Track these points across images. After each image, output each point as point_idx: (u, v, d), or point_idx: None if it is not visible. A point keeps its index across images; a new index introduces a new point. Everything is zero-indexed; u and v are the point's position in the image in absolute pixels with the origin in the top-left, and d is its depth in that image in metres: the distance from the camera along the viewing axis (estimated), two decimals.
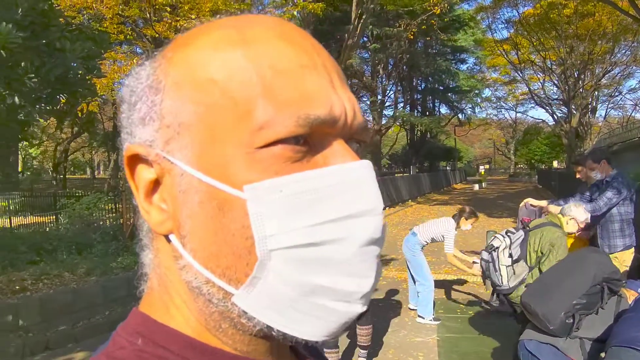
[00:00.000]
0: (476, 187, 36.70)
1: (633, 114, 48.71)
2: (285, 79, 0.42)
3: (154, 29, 12.30)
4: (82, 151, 46.86)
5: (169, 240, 0.44)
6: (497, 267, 4.01)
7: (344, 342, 5.19)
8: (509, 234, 4.11)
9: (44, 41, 2.89)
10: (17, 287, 5.91)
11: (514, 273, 3.93)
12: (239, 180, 0.40)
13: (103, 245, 8.46)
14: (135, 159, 0.44)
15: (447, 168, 51.24)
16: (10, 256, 7.26)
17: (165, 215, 0.44)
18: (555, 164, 49.94)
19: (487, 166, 64.72)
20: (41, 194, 19.07)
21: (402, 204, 23.63)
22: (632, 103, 47.79)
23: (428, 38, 26.83)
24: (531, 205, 5.17)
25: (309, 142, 0.42)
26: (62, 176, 33.32)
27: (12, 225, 13.35)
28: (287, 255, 0.40)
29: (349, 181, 0.41)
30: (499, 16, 36.99)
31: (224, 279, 0.41)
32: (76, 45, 3.19)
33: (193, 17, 12.10)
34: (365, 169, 0.43)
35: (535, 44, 34.10)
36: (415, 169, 37.96)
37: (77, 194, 15.26)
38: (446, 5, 18.51)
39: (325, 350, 4.82)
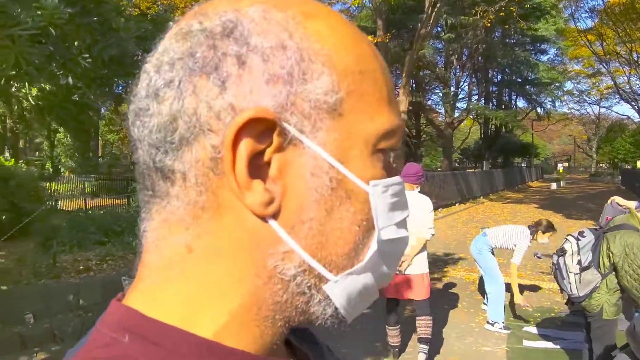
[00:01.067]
0: (554, 186, 35.16)
1: None
2: (392, 89, 0.45)
3: None
4: None
5: (264, 221, 0.40)
6: (564, 274, 3.60)
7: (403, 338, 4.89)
8: (579, 237, 3.67)
9: (95, 18, 2.78)
10: (81, 267, 6.03)
11: (582, 281, 3.51)
12: (365, 175, 0.42)
13: None
14: (251, 126, 0.38)
15: (523, 165, 49.32)
16: (79, 236, 7.46)
17: (272, 195, 0.39)
18: (639, 164, 46.80)
19: (566, 164, 61.50)
20: (117, 178, 19.84)
21: (473, 201, 22.85)
22: None
23: (506, 26, 25.56)
24: (617, 204, 4.65)
25: None
26: None
27: (87, 206, 13.93)
28: (383, 247, 0.43)
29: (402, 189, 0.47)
30: (582, 4, 34.89)
31: (329, 267, 0.41)
32: (130, 23, 3.03)
33: None
34: (402, 185, 0.47)
35: (621, 35, 31.90)
36: (488, 164, 36.61)
37: None
38: None
39: (387, 327, 4.65)
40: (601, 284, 3.47)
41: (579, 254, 3.55)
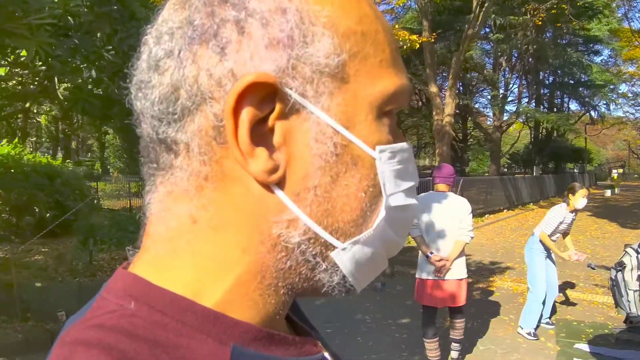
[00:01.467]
0: (608, 193, 33.74)
1: None
2: (397, 49, 0.44)
3: None
4: None
5: (270, 191, 0.39)
6: (623, 290, 3.20)
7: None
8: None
9: (115, 7, 2.66)
10: (117, 266, 6.01)
11: None
12: (372, 140, 0.41)
13: None
14: (252, 90, 0.38)
15: (575, 171, 47.46)
16: (119, 235, 7.50)
17: (276, 162, 0.39)
18: None
19: (620, 170, 58.77)
20: None
21: (522, 207, 22.05)
22: None
23: (558, 24, 24.58)
24: None
25: None
26: None
27: (131, 206, 14.15)
28: (391, 214, 0.43)
29: (411, 156, 0.46)
30: (635, 4, 33.31)
31: (336, 234, 0.41)
32: (150, 12, 2.91)
33: None
34: (409, 150, 0.46)
35: None
36: (539, 169, 35.40)
37: None
38: None
39: (425, 340, 4.41)
40: None
41: (639, 268, 3.17)
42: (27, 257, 6.81)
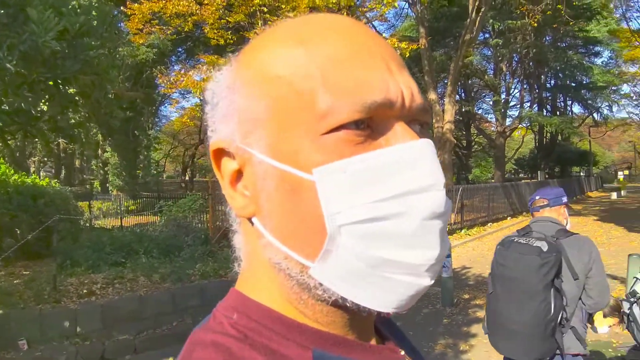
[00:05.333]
0: (614, 195, 33.19)
1: None
2: (342, 68, 0.46)
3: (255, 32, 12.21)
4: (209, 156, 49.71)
5: (252, 223, 0.50)
6: None
7: None
8: None
9: (2, 11, 2.39)
10: (84, 291, 5.72)
11: None
12: (308, 164, 0.45)
13: (191, 249, 8.26)
14: (220, 153, 0.52)
15: (581, 174, 46.94)
16: (95, 256, 7.19)
17: (247, 200, 0.50)
18: None
19: (626, 172, 58.13)
20: (164, 196, 19.85)
21: (526, 214, 21.58)
22: None
23: (554, 26, 24.29)
24: None
25: (371, 125, 0.46)
26: (188, 178, 35.29)
27: (123, 224, 13.89)
28: (354, 230, 0.44)
29: (408, 159, 0.45)
30: (633, 4, 32.97)
31: (302, 254, 0.46)
32: (49, 15, 2.57)
33: (291, 15, 11.80)
34: (425, 146, 0.46)
35: None
36: (544, 174, 34.89)
37: (177, 196, 15.51)
38: None
39: None
40: None
41: None
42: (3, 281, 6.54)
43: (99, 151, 28.07)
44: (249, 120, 0.49)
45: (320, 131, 0.45)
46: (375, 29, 16.42)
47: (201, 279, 6.75)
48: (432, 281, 0.46)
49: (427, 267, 0.45)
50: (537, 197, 2.98)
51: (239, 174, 0.51)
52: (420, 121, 0.50)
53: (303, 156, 0.45)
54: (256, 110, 0.48)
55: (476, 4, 16.07)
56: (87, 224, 13.05)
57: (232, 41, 12.64)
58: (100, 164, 28.45)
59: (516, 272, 2.56)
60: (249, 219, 0.51)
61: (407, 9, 19.95)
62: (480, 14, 16.08)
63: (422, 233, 0.44)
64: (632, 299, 2.92)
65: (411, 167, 0.45)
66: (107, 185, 25.88)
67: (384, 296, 0.46)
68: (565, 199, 2.96)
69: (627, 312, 2.92)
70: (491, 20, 22.93)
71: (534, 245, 2.58)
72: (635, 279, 3.03)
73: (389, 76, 0.47)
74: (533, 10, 17.84)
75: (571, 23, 22.28)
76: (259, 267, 0.52)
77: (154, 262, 7.31)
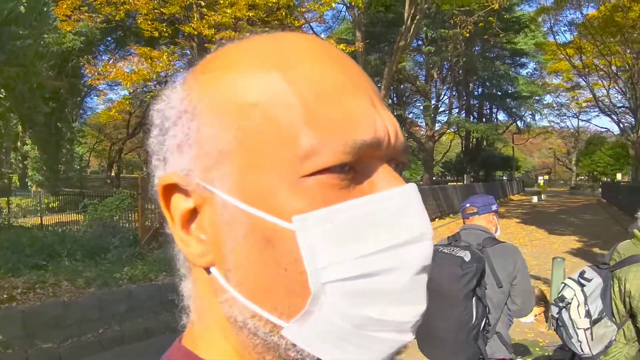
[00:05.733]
0: (535, 199, 35.10)
1: None
2: (328, 101, 0.41)
3: (192, 27, 11.89)
4: (138, 151, 48.03)
5: (209, 272, 0.43)
6: (572, 331, 2.86)
7: None
8: (582, 280, 2.91)
9: None
10: (5, 296, 5.32)
11: (596, 337, 2.80)
12: (287, 210, 0.39)
13: (119, 251, 7.88)
14: (171, 189, 0.43)
15: (504, 178, 49.27)
16: (14, 258, 6.68)
17: (205, 246, 0.43)
18: (619, 176, 47.27)
19: (546, 177, 61.77)
20: (70, 193, 18.85)
21: (453, 216, 22.34)
22: None
23: (485, 37, 25.40)
24: None
25: (355, 167, 0.41)
26: (114, 174, 33.92)
27: (44, 223, 13.12)
28: (340, 288, 0.39)
29: (397, 207, 0.41)
30: (561, 18, 35.21)
31: (275, 312, 0.40)
32: None
33: (229, 11, 11.57)
34: (412, 192, 0.42)
35: (600, 48, 32.06)
36: (470, 178, 36.37)
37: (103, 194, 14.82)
38: (506, 0, 17.29)
39: None
40: (618, 336, 2.82)
41: (586, 303, 2.83)
42: None
43: (19, 143, 26.43)
44: (213, 153, 0.41)
45: (302, 173, 0.39)
46: (313, 31, 16.46)
47: (129, 283, 6.43)
48: (414, 336, 0.42)
49: (412, 324, 0.41)
50: (468, 205, 3.01)
51: (193, 214, 0.43)
52: (399, 161, 0.45)
53: (280, 201, 0.39)
54: (222, 141, 0.41)
55: (411, 12, 16.44)
56: (6, 222, 12.21)
57: (166, 34, 12.25)
58: (19, 157, 26.80)
59: (439, 281, 2.60)
60: (206, 268, 0.43)
61: (345, 12, 20.08)
62: (414, 22, 16.46)
63: (411, 289, 0.40)
64: (560, 304, 2.97)
65: (401, 215, 0.40)
66: (27, 180, 24.42)
67: (364, 355, 0.41)
68: (495, 207, 3.00)
69: (556, 316, 2.99)
70: (425, 28, 23.63)
71: (457, 255, 2.61)
72: (563, 284, 3.07)
73: (375, 112, 0.42)
74: (466, 21, 18.51)
75: (501, 35, 23.35)
76: (213, 323, 0.45)
77: (77, 265, 6.87)
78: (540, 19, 33.42)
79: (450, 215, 22.34)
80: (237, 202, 0.40)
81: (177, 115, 0.44)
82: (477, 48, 32.81)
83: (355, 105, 0.41)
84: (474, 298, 2.57)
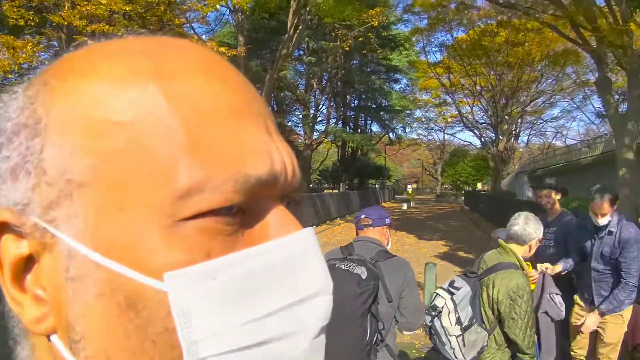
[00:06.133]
0: (405, 206, 36.96)
1: (553, 142, 52.12)
2: (216, 126, 0.32)
3: (61, 17, 11.03)
4: None
5: (49, 339, 0.33)
6: (444, 338, 3.01)
7: None
8: (452, 289, 3.04)
9: None
10: None
11: (467, 343, 2.91)
12: (156, 264, 0.30)
13: None
14: (0, 227, 0.32)
15: (377, 186, 51.48)
16: None
17: (44, 308, 0.32)
18: (479, 185, 51.75)
19: (415, 185, 65.84)
20: None
21: (329, 222, 22.95)
22: (553, 131, 51.93)
23: (363, 52, 26.58)
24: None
25: (244, 208, 0.33)
26: None
27: None
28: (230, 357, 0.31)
29: (295, 256, 0.34)
30: (433, 39, 37.96)
31: None
32: None
33: (104, 2, 10.91)
34: (310, 238, 0.35)
35: (466, 68, 35.06)
36: (345, 185, 37.64)
37: None
38: (384, 19, 18.28)
39: None
40: (489, 341, 2.99)
41: (456, 311, 2.99)
42: None
43: None
44: (59, 184, 0.31)
45: (178, 215, 0.30)
46: (194, 31, 16.10)
47: None
48: None
49: None
50: (362, 216, 3.01)
51: (28, 263, 0.32)
52: (293, 199, 0.38)
53: (148, 251, 0.30)
54: (73, 169, 0.31)
55: (295, 21, 16.72)
56: None
57: (33, 23, 11.28)
58: None
59: (335, 299, 2.62)
60: (47, 337, 0.32)
61: (228, 15, 19.87)
62: (297, 32, 16.75)
63: (309, 355, 0.33)
64: (433, 313, 3.05)
65: (299, 266, 0.33)
66: None
67: None
68: (388, 220, 3.03)
69: (429, 324, 3.06)
70: (307, 39, 24.10)
71: (354, 272, 2.59)
72: (435, 294, 3.17)
73: (271, 141, 0.35)
74: (346, 35, 19.23)
75: (378, 51, 24.52)
76: None
77: None
78: (414, 39, 35.78)
79: (327, 222, 22.93)
80: (89, 252, 0.30)
81: (13, 129, 0.33)
82: (355, 62, 34.14)
83: (249, 133, 0.33)
84: (369, 315, 2.59)
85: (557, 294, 3.40)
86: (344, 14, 17.03)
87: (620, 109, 21.08)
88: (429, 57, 40.72)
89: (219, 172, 0.31)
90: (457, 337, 2.90)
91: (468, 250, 14.49)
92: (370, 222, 2.94)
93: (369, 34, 18.97)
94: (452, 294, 3.00)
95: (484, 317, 2.97)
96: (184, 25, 13.98)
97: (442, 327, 2.93)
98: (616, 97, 22.14)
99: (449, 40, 36.60)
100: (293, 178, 0.36)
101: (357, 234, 3.03)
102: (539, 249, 4.66)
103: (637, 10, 9.65)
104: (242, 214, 0.33)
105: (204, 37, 16.24)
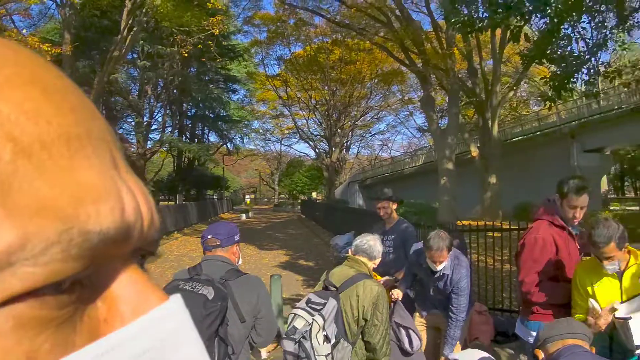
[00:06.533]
0: (243, 216, 37.03)
1: (380, 153, 57.03)
2: (39, 162, 0.23)
3: None
4: None
5: None
6: None
7: None
8: (313, 306, 2.89)
9: None
10: None
11: None
12: None
13: None
14: None
15: (215, 197, 50.76)
16: None
17: None
18: (314, 194, 53.98)
19: (252, 196, 66.41)
20: None
21: (166, 237, 21.92)
22: (380, 143, 57.08)
23: (203, 60, 26.04)
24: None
25: (81, 280, 0.24)
26: None
27: None
28: None
29: (159, 348, 0.25)
30: (272, 52, 38.84)
31: None
32: None
33: None
34: (179, 315, 0.27)
35: (303, 82, 36.45)
36: (182, 197, 36.41)
37: None
38: (225, 27, 18.06)
39: None
40: (352, 355, 2.93)
41: (324, 328, 2.87)
42: None
43: None
44: None
45: None
46: (14, 24, 14.35)
47: None
48: None
49: None
50: (210, 236, 2.81)
51: None
52: (147, 252, 0.29)
53: None
54: None
55: (129, 22, 15.78)
56: None
57: None
58: None
59: None
60: None
61: (54, 9, 18.06)
62: (131, 33, 15.85)
63: None
64: (294, 336, 2.85)
65: (169, 353, 0.25)
66: None
67: None
68: (237, 237, 2.88)
69: (296, 352, 2.85)
70: (142, 42, 22.87)
71: (200, 293, 2.42)
72: (292, 315, 3.00)
73: (118, 178, 0.26)
74: (185, 41, 18.60)
75: (217, 60, 24.15)
76: None
77: None
78: (253, 50, 36.23)
79: (164, 236, 21.87)
80: None
81: None
82: (193, 69, 33.35)
83: (87, 168, 0.24)
84: (216, 339, 2.42)
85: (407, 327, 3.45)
86: (182, 20, 16.47)
87: (440, 125, 23.58)
88: (267, 69, 41.56)
89: (41, 231, 0.22)
90: (326, 356, 2.79)
91: (308, 257, 14.82)
92: (218, 243, 2.75)
93: (209, 41, 18.61)
94: (316, 310, 2.88)
95: (347, 330, 2.94)
96: (3, 17, 12.39)
97: (312, 348, 2.79)
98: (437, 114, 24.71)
99: (287, 54, 37.91)
100: (150, 228, 0.27)
101: (204, 253, 2.82)
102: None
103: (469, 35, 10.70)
104: (79, 288, 0.24)
105: (24, 31, 14.47)
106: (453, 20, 8.51)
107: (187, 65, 30.06)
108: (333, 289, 3.02)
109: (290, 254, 15.84)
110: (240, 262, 2.91)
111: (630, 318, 2.60)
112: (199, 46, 19.36)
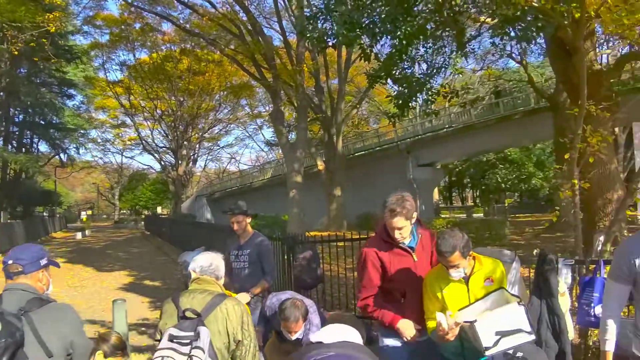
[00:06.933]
0: (79, 235, 34.41)
1: (228, 167, 56.73)
2: None
3: None
4: None
5: None
6: None
7: None
8: (180, 341, 2.53)
9: None
10: None
11: None
12: None
13: None
14: None
15: (45, 214, 46.20)
16: None
17: None
18: (159, 209, 51.67)
19: (90, 212, 61.44)
20: None
21: None
22: (228, 157, 57.23)
23: (35, 59, 23.57)
24: None
25: None
26: None
27: None
28: None
29: None
30: (114, 57, 36.65)
31: None
32: None
33: None
34: None
35: (148, 91, 34.91)
36: (7, 215, 32.56)
37: None
38: (62, 25, 16.53)
39: None
40: None
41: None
42: None
43: None
44: None
45: None
46: None
47: None
48: None
49: None
50: (10, 262, 2.47)
51: None
52: None
53: None
54: None
55: None
56: None
57: None
58: None
59: None
60: None
61: None
62: None
63: None
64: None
65: None
66: None
67: None
68: (44, 261, 2.56)
69: None
70: None
71: None
72: (160, 358, 2.51)
73: None
74: (16, 37, 16.61)
75: (53, 60, 22.07)
76: None
77: None
78: (93, 53, 33.76)
79: None
80: None
81: None
82: (23, 70, 30.24)
83: None
84: None
85: None
86: (15, 14, 14.68)
87: (289, 139, 24.12)
88: (108, 74, 39.11)
89: None
90: None
91: (154, 277, 14.00)
92: (20, 270, 2.46)
93: (44, 39, 16.83)
94: (186, 345, 2.55)
95: (218, 356, 2.65)
96: None
97: None
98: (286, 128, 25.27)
99: (131, 60, 36.02)
100: None
101: (6, 282, 2.48)
102: (235, 271, 4.74)
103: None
104: None
105: None
106: (309, 35, 8.68)
107: (17, 64, 27.15)
108: (195, 316, 2.74)
109: (134, 275, 14.85)
110: (50, 289, 2.63)
111: (475, 321, 2.79)
112: (32, 44, 17.39)
